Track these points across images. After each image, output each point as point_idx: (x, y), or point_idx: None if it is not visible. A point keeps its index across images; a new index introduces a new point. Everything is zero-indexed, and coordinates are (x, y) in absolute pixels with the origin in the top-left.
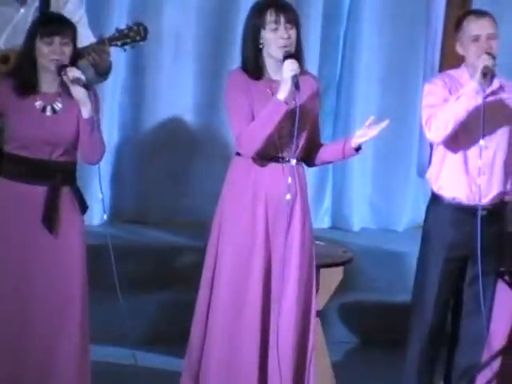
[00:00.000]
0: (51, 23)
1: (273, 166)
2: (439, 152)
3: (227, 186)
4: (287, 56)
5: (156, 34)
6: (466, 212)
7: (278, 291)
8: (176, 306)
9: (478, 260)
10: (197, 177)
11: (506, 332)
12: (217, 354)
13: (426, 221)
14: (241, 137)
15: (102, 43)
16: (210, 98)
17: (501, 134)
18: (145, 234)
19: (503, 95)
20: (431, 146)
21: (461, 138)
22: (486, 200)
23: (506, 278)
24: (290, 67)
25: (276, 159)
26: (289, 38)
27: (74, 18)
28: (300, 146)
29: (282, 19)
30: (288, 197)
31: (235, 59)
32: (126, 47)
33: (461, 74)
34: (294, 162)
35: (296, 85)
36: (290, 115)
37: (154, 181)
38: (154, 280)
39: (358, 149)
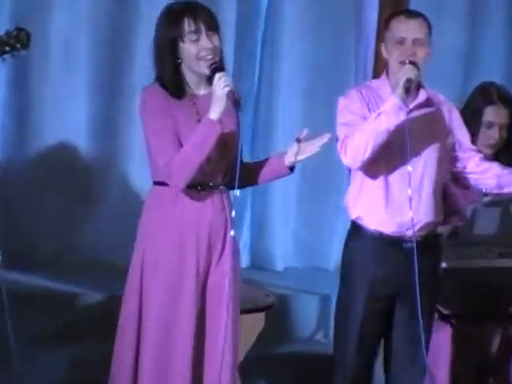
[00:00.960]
0: None
1: (201, 196)
2: (357, 176)
3: (147, 221)
4: (215, 69)
5: (42, 40)
6: (390, 244)
7: (211, 336)
8: (85, 361)
9: (416, 297)
10: (93, 211)
11: (448, 376)
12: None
13: (344, 254)
14: (171, 166)
15: None
16: (108, 116)
17: (428, 155)
18: (35, 281)
19: (428, 109)
20: (349, 168)
21: (381, 161)
22: (412, 231)
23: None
24: (223, 82)
25: (204, 187)
26: (213, 47)
27: None
28: (229, 170)
29: (203, 27)
30: (232, 233)
31: (136, 68)
32: (5, 57)
33: (381, 85)
34: (224, 188)
35: (235, 102)
36: (221, 138)
37: (42, 217)
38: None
39: (291, 168)
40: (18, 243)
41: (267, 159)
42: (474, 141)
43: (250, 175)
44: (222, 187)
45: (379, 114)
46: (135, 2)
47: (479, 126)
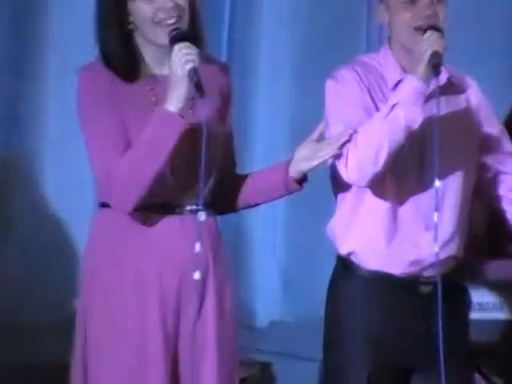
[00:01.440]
0: None
1: (165, 222)
2: (349, 197)
3: (92, 259)
4: (176, 37)
5: None
6: (399, 288)
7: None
8: None
9: (440, 358)
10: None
11: None
12: None
13: (330, 305)
14: (112, 177)
15: None
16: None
17: (452, 162)
18: None
19: (453, 96)
20: (335, 187)
21: (387, 175)
22: (432, 270)
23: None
24: (184, 56)
25: (170, 210)
26: (174, 6)
27: None
28: (209, 186)
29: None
30: (197, 276)
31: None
32: None
33: (382, 61)
34: (201, 213)
35: (197, 85)
36: (190, 136)
37: None
38: None
39: (301, 180)
40: None
41: (266, 169)
42: None
43: (247, 193)
44: (198, 209)
45: (394, 106)
46: None
47: None
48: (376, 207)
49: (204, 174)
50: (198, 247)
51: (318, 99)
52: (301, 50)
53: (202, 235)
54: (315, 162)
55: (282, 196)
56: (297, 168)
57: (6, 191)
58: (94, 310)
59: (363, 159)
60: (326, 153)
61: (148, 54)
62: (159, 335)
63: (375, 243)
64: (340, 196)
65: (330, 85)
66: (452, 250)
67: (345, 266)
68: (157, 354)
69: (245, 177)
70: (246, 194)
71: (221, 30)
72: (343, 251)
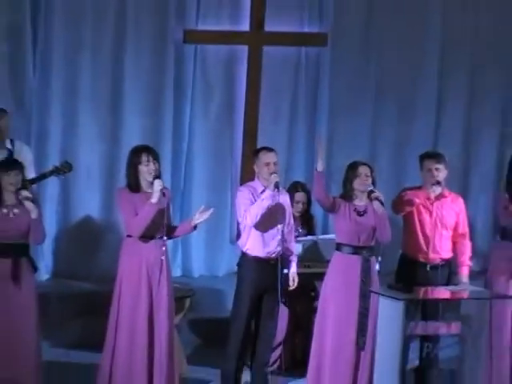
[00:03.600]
0: (7, 163)
1: (150, 243)
2: (246, 228)
3: (122, 257)
4: (154, 177)
5: None
6: (263, 263)
7: (158, 321)
8: None
9: (277, 294)
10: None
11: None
12: (121, 362)
13: (239, 270)
14: (131, 227)
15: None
16: None
17: None
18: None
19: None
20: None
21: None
22: (275, 253)
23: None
24: (159, 185)
25: (151, 238)
26: (155, 169)
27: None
28: (165, 229)
29: (151, 158)
30: (163, 258)
31: None
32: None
33: (257, 184)
34: (165, 238)
35: (164, 194)
36: (161, 210)
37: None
38: None
39: (195, 227)
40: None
41: (182, 222)
42: None
43: (176, 231)
44: (162, 237)
45: (262, 199)
46: None
47: None
48: (255, 232)
49: (165, 224)
50: (164, 255)
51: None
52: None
53: (161, 246)
54: (201, 220)
55: (187, 234)
56: (195, 222)
57: None
58: (119, 283)
59: (251, 218)
60: (203, 217)
61: (144, 184)
62: (145, 298)
63: (256, 246)
64: (246, 228)
65: (238, 192)
66: (279, 247)
67: (243, 255)
68: (143, 307)
69: (175, 227)
70: (177, 232)
71: None
72: (244, 249)
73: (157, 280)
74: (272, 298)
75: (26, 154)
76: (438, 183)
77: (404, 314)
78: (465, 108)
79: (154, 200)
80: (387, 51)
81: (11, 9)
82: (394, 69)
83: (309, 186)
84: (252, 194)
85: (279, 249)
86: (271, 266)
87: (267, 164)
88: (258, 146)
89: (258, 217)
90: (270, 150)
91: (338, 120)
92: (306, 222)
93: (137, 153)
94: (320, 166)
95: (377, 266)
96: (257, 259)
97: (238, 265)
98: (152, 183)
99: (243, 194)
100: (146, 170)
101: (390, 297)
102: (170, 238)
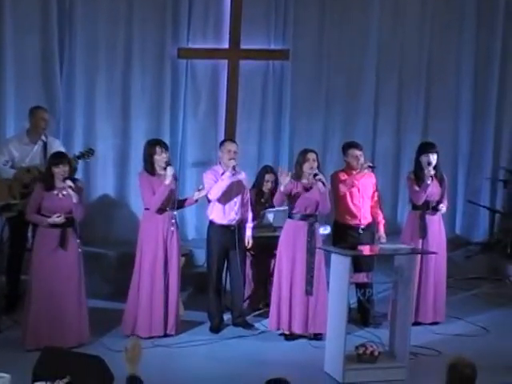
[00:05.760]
0: (57, 158)
1: (164, 214)
2: (211, 203)
3: (142, 226)
4: (167, 164)
5: None
6: (225, 229)
7: (171, 272)
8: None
9: (236, 249)
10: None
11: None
12: (144, 303)
13: (208, 234)
14: (151, 202)
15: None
16: None
17: None
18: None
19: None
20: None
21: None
22: (234, 220)
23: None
24: (171, 171)
25: (164, 210)
26: (167, 158)
27: (60, 148)
28: (175, 203)
29: (163, 149)
30: (172, 229)
31: None
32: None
33: (219, 167)
34: (175, 212)
35: (175, 177)
36: (172, 190)
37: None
38: None
39: (196, 200)
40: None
41: (187, 197)
42: None
43: (181, 204)
44: (171, 209)
45: (222, 179)
46: None
47: None
48: (218, 205)
49: (175, 200)
50: (173, 226)
51: None
52: None
53: (173, 220)
54: (200, 196)
55: (192, 205)
56: (196, 197)
57: None
58: (140, 245)
59: (214, 195)
60: (202, 194)
61: (158, 169)
62: (161, 255)
63: (219, 215)
64: (209, 203)
65: (204, 174)
66: (238, 216)
67: (210, 223)
68: (160, 262)
69: (183, 200)
70: (183, 203)
71: None
72: (210, 218)
73: (169, 242)
74: (234, 255)
75: (58, 146)
76: (362, 165)
77: (351, 267)
78: (395, 108)
79: (167, 182)
80: (336, 64)
81: (43, 36)
82: (340, 79)
83: (275, 169)
84: (215, 176)
85: (237, 217)
86: (231, 231)
87: (228, 151)
88: (236, 140)
89: (219, 193)
90: (232, 141)
91: (298, 119)
92: (273, 196)
93: (152, 145)
94: (283, 188)
95: (328, 230)
96: (220, 226)
97: (208, 230)
98: (165, 169)
99: (208, 175)
100: (159, 158)
101: (339, 253)
102: (180, 207)
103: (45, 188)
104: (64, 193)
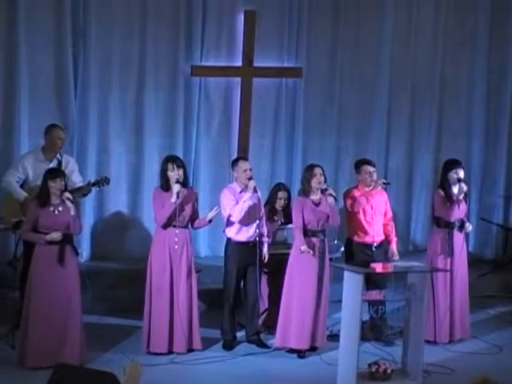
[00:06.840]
0: (54, 172)
1: (171, 230)
2: (231, 222)
3: (153, 241)
4: (177, 182)
5: None
6: (244, 246)
7: (176, 285)
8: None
9: (257, 268)
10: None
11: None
12: (157, 317)
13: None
14: (157, 218)
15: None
16: None
17: None
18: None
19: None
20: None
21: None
22: (252, 237)
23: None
24: (176, 188)
25: (172, 225)
26: (179, 175)
27: (72, 171)
28: (185, 220)
29: (175, 166)
30: (176, 247)
31: None
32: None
33: (236, 186)
34: (177, 230)
35: (177, 195)
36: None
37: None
38: None
39: (210, 221)
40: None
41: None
42: None
43: (195, 224)
44: (182, 226)
45: (244, 201)
46: None
47: None
48: (238, 224)
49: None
50: (176, 244)
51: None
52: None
53: (182, 234)
54: (212, 215)
55: (205, 226)
56: (209, 217)
57: None
58: (151, 256)
59: (236, 216)
60: (213, 214)
61: (172, 185)
62: (169, 263)
63: (238, 233)
64: (228, 222)
65: (222, 193)
66: (256, 233)
67: (229, 240)
68: (167, 279)
69: (196, 219)
70: (195, 224)
71: None
72: (229, 235)
73: (174, 258)
74: (253, 271)
75: (72, 165)
76: (376, 182)
77: (363, 284)
78: (408, 125)
79: (172, 199)
80: (348, 82)
81: (57, 53)
82: (353, 96)
83: (288, 186)
84: (233, 194)
85: (256, 233)
86: (250, 247)
87: (245, 170)
88: (249, 157)
89: (242, 214)
90: (245, 159)
91: (311, 136)
92: (286, 213)
93: (166, 161)
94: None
95: (342, 248)
96: (238, 243)
97: (226, 247)
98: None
99: (226, 195)
100: (172, 174)
101: (352, 271)
102: (194, 228)
103: (39, 205)
104: (60, 209)
